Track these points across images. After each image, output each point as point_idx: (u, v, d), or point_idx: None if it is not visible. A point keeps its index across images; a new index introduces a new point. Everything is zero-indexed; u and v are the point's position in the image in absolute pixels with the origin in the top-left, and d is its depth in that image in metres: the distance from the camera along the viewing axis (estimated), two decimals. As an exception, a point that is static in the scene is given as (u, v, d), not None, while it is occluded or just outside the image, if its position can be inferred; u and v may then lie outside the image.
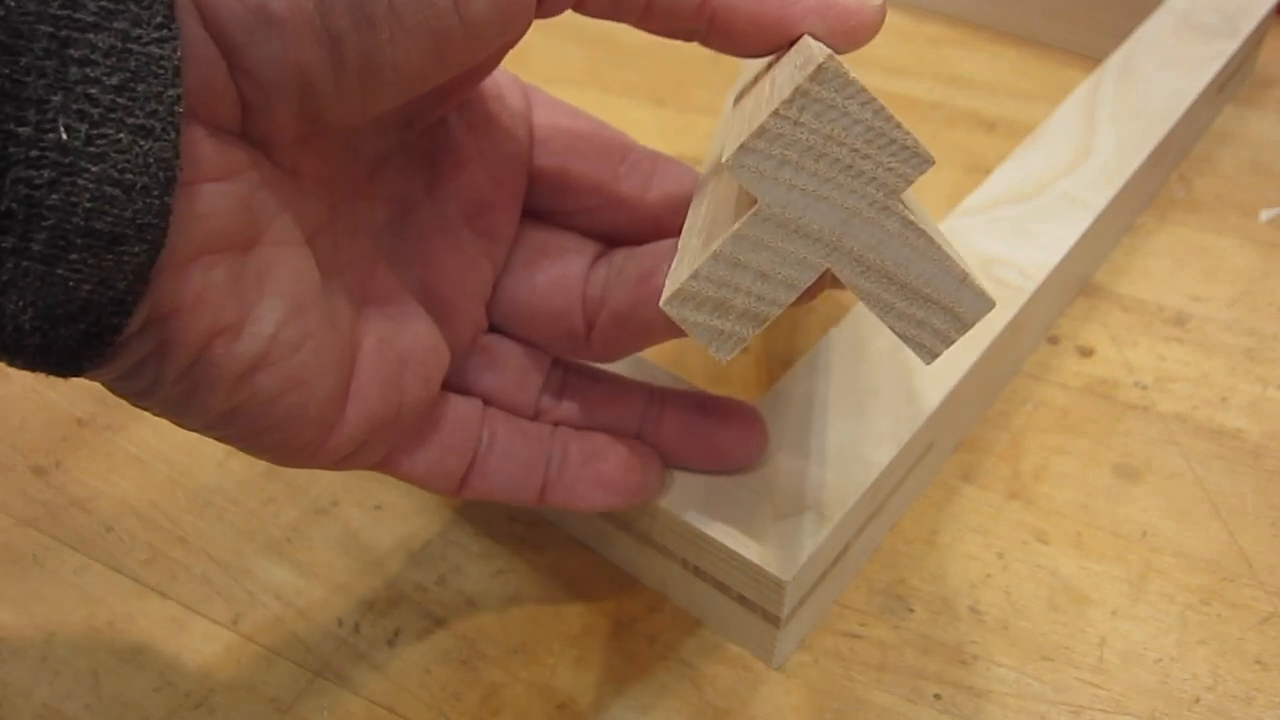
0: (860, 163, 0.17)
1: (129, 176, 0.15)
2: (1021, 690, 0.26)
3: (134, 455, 0.32)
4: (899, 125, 0.16)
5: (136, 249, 0.15)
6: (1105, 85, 0.39)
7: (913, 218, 0.17)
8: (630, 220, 0.25)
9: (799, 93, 0.16)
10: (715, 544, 0.25)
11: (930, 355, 0.18)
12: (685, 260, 0.19)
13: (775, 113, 0.16)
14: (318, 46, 0.17)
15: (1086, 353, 0.35)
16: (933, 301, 0.18)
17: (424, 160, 0.23)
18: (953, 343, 0.18)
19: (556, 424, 0.26)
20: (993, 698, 0.26)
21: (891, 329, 0.18)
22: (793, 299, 0.18)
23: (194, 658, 0.27)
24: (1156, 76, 0.40)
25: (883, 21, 0.20)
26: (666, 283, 0.19)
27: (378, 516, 0.30)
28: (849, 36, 0.20)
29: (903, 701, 0.26)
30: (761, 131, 0.16)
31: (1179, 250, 0.39)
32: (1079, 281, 0.37)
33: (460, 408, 0.24)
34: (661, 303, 0.18)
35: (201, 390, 0.18)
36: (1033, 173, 0.35)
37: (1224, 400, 0.33)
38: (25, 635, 0.28)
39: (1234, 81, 0.46)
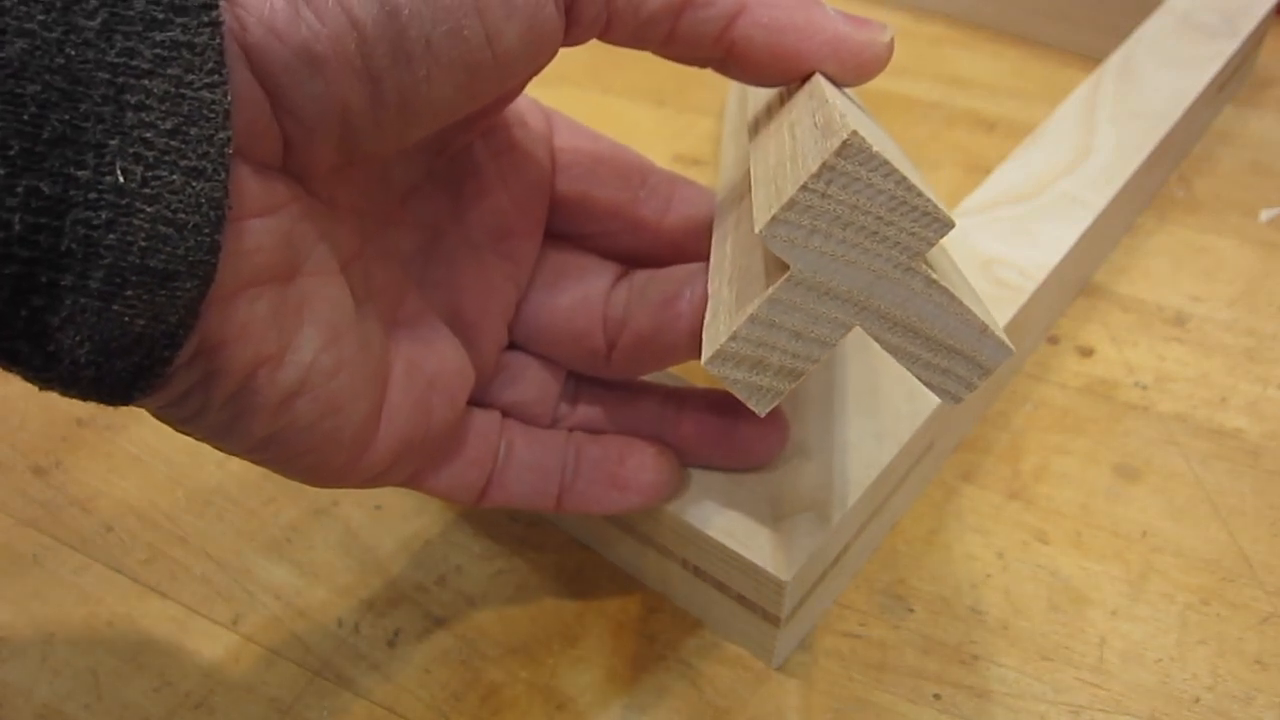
0: (885, 229, 0.17)
1: (181, 216, 0.15)
2: (1021, 690, 0.26)
3: (134, 455, 0.32)
4: (920, 193, 0.17)
5: (188, 284, 0.16)
6: (1105, 85, 0.39)
7: (934, 276, 0.18)
8: (650, 243, 0.26)
9: (825, 167, 0.17)
10: (715, 544, 0.25)
11: (954, 400, 0.19)
12: (720, 315, 0.20)
13: (804, 186, 0.17)
14: (358, 84, 0.17)
15: (1086, 353, 0.35)
16: (956, 352, 0.19)
17: (450, 187, 0.24)
18: (976, 388, 0.19)
19: (573, 429, 0.26)
20: (993, 698, 0.26)
21: (917, 377, 0.19)
22: (826, 355, 0.19)
23: (194, 658, 0.27)
24: (1156, 76, 0.40)
25: (890, 57, 0.21)
26: (704, 340, 0.20)
27: (378, 516, 0.30)
28: (859, 72, 0.21)
29: (903, 701, 0.26)
30: (791, 204, 0.17)
31: (1179, 250, 0.39)
32: (1079, 281, 0.37)
33: (481, 422, 0.25)
34: (703, 362, 0.19)
35: (244, 417, 0.19)
36: (1033, 173, 0.35)
37: (1224, 400, 0.33)
38: (25, 635, 0.28)
39: (1234, 81, 0.46)
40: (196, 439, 0.19)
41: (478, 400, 0.25)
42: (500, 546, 0.30)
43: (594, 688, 0.26)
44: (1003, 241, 0.33)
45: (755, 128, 0.23)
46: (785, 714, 0.26)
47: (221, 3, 0.16)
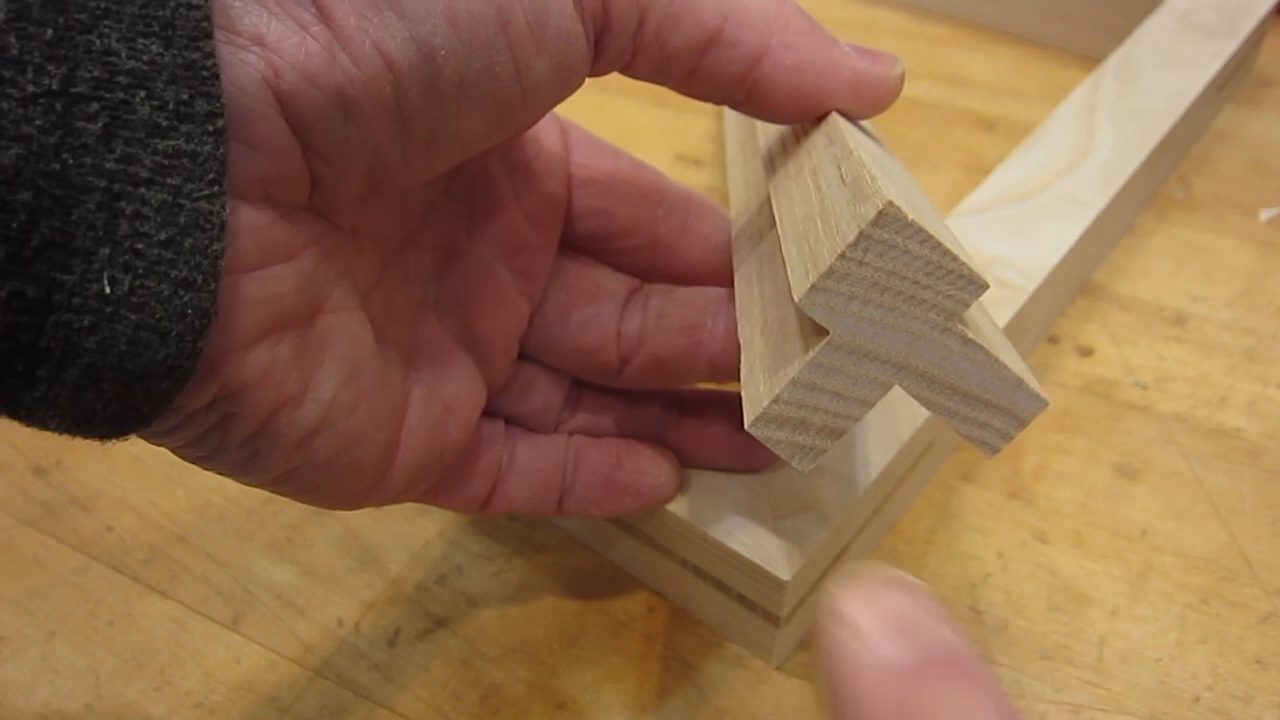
0: (921, 292, 0.18)
1: (166, 324, 0.15)
2: (1021, 689, 0.26)
3: (134, 455, 0.32)
4: (955, 257, 0.17)
5: (164, 384, 0.16)
6: (1105, 85, 0.39)
7: (971, 335, 0.18)
8: (665, 262, 0.26)
9: (863, 236, 0.17)
10: (715, 544, 0.25)
11: (992, 450, 0.20)
12: (758, 373, 0.20)
13: (841, 255, 0.17)
14: (389, 123, 0.17)
15: (1086, 352, 0.35)
16: (993, 405, 0.19)
17: (465, 204, 0.24)
18: (1012, 438, 0.19)
19: (575, 433, 0.26)
20: (992, 697, 0.26)
21: (955, 430, 0.19)
22: (866, 413, 0.19)
23: (194, 658, 0.27)
24: (1156, 76, 0.40)
25: (901, 88, 0.21)
26: (745, 401, 0.20)
27: (378, 516, 0.30)
28: (874, 107, 0.21)
29: (902, 701, 0.26)
30: (830, 273, 0.17)
31: (1179, 250, 0.39)
32: (1079, 281, 0.37)
33: (487, 433, 0.25)
34: (747, 425, 0.19)
35: (263, 455, 0.19)
36: (1033, 173, 0.35)
37: (1223, 400, 0.33)
38: (25, 635, 0.28)
39: (1234, 81, 0.46)
40: (215, 473, 0.19)
41: (484, 409, 0.25)
42: (500, 546, 0.30)
43: (594, 687, 0.26)
44: (1003, 241, 0.33)
45: (772, 162, 0.23)
46: (785, 714, 0.26)
47: (255, 49, 0.16)
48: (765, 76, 0.20)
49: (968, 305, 0.18)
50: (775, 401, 0.19)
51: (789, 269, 0.19)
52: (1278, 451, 0.32)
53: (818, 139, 0.21)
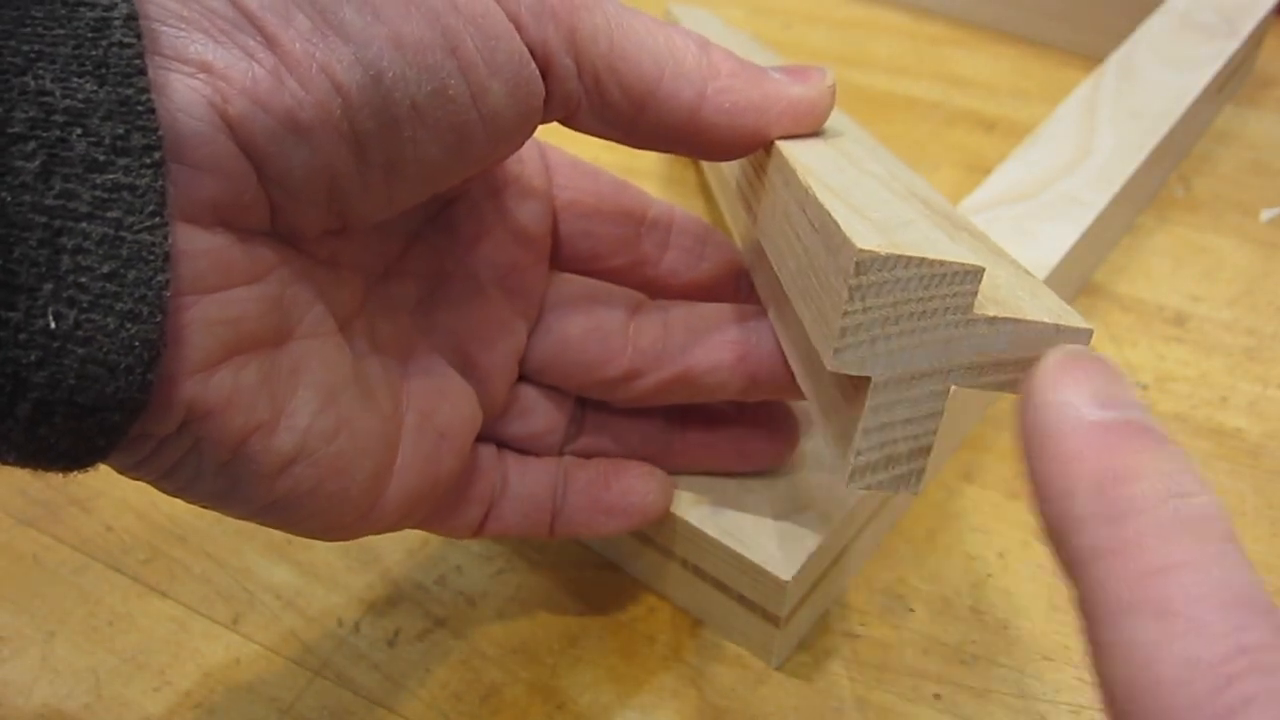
0: (929, 303, 0.18)
1: (114, 358, 0.15)
2: (1022, 690, 0.26)
3: (134, 455, 0.32)
4: (941, 261, 0.17)
5: (116, 417, 0.16)
6: (1105, 85, 0.39)
7: (993, 312, 0.18)
8: (652, 277, 0.26)
9: (854, 289, 0.17)
10: (715, 544, 0.25)
11: None
12: (829, 433, 0.21)
13: (844, 313, 0.18)
14: (344, 149, 0.17)
15: (1086, 353, 0.35)
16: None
17: (451, 230, 0.24)
18: None
19: (578, 453, 0.26)
20: (993, 698, 0.26)
21: None
22: (941, 420, 0.20)
23: (194, 658, 0.27)
24: (1156, 76, 0.40)
25: (834, 98, 0.22)
26: (838, 459, 0.21)
27: (378, 516, 0.30)
28: (813, 125, 0.22)
29: (903, 701, 0.26)
30: (842, 333, 0.18)
31: (1179, 250, 0.39)
32: (1079, 281, 0.37)
33: (481, 459, 0.24)
34: (845, 484, 0.20)
35: (242, 485, 0.18)
36: (1033, 173, 0.35)
37: (1224, 400, 0.33)
38: (25, 635, 0.28)
39: (1234, 81, 0.46)
40: (199, 506, 0.19)
41: (483, 435, 0.25)
42: (500, 546, 0.30)
43: (594, 688, 0.26)
44: (1003, 241, 0.33)
45: (740, 193, 0.23)
46: (785, 714, 0.26)
47: (202, 75, 0.16)
48: (706, 123, 0.20)
49: (974, 294, 0.18)
50: (858, 454, 0.19)
51: (809, 333, 0.19)
52: (1278, 451, 0.32)
53: (773, 173, 0.21)
